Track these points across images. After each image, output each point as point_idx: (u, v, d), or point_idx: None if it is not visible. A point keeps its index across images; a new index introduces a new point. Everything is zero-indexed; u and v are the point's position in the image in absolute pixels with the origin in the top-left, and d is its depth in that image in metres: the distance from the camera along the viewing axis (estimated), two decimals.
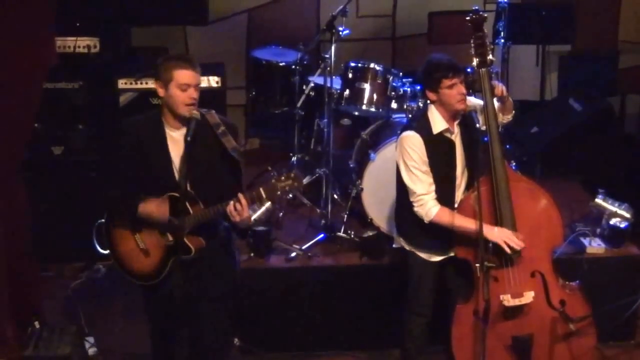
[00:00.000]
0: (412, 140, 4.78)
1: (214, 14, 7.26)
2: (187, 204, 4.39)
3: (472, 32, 4.74)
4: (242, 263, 5.74)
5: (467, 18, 4.75)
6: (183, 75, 4.33)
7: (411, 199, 4.80)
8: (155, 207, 4.45)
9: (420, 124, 4.84)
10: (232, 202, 4.35)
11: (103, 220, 4.67)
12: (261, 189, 4.34)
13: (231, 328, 4.93)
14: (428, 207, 4.76)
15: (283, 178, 4.33)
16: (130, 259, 4.59)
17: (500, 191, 4.73)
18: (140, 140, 4.46)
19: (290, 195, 4.53)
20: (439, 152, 4.81)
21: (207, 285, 4.61)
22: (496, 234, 4.69)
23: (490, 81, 4.73)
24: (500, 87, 4.78)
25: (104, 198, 4.65)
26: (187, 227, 4.41)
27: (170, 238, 4.49)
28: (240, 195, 4.34)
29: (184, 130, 4.42)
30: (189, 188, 4.39)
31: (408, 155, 4.78)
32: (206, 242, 4.51)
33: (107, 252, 4.71)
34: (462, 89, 4.73)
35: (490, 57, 4.74)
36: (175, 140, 4.45)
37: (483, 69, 4.74)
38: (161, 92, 4.40)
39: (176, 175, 4.45)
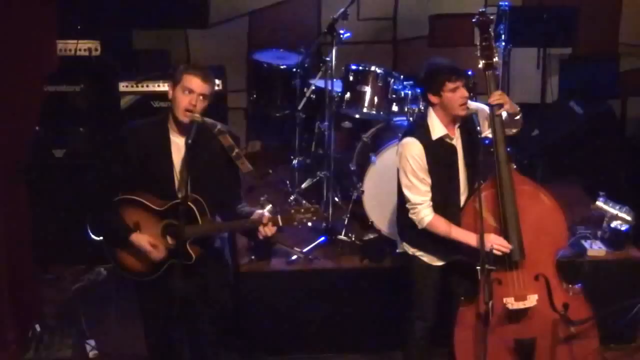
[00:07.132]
0: (412, 147, 4.76)
1: (215, 16, 7.26)
2: (197, 212, 4.37)
3: (479, 34, 4.73)
4: (243, 266, 5.74)
5: (474, 20, 4.75)
6: (190, 79, 4.39)
7: (407, 206, 4.81)
8: (146, 243, 4.44)
9: (419, 129, 4.83)
10: (261, 228, 4.34)
11: None
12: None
13: (227, 332, 4.90)
14: (422, 215, 4.75)
15: (303, 210, 4.35)
16: (125, 252, 4.55)
17: (505, 194, 4.71)
18: (142, 145, 4.46)
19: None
20: (440, 157, 4.79)
21: (202, 289, 4.58)
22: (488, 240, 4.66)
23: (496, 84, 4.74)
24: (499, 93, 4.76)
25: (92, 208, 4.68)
26: (191, 235, 4.38)
27: (170, 242, 4.48)
28: (267, 217, 4.34)
29: None
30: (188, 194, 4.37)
31: (406, 162, 4.76)
32: (203, 249, 4.50)
33: (99, 238, 4.70)
34: (465, 92, 4.71)
35: (495, 59, 4.74)
36: (179, 146, 4.45)
37: (489, 71, 4.73)
38: (170, 93, 4.45)
39: (176, 180, 4.45)
